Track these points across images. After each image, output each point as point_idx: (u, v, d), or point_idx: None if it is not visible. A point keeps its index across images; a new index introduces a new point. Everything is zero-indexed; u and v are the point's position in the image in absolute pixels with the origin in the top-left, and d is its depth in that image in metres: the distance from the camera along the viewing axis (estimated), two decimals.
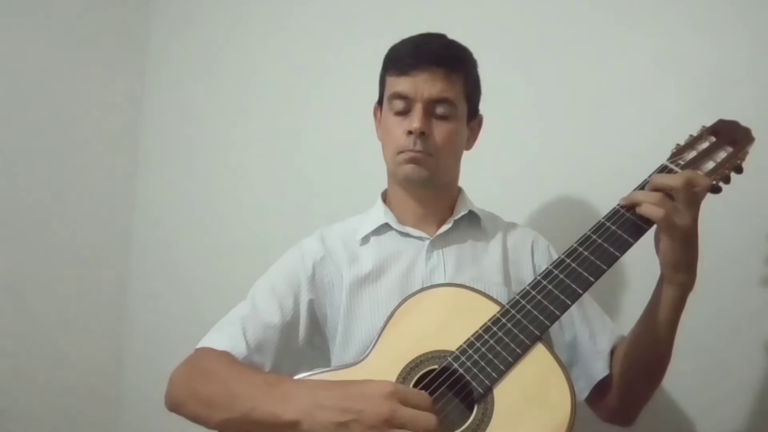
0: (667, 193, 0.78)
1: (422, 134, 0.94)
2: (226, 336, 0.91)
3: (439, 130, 0.95)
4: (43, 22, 1.86)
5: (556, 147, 1.32)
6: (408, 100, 0.95)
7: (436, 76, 0.94)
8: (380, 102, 1.04)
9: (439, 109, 0.95)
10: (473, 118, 1.03)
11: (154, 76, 2.11)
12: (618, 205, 0.82)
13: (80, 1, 1.95)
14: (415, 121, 0.93)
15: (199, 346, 0.92)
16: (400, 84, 0.95)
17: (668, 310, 0.82)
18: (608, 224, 0.82)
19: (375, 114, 1.07)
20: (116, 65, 2.05)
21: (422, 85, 0.94)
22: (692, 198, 0.78)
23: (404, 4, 1.54)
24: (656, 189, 0.79)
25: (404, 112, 0.96)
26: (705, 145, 0.86)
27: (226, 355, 0.88)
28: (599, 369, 0.94)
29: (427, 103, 0.94)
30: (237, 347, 0.89)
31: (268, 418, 0.74)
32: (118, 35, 2.05)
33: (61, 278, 1.90)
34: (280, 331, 0.93)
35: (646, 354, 0.88)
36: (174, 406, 0.86)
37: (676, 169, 0.83)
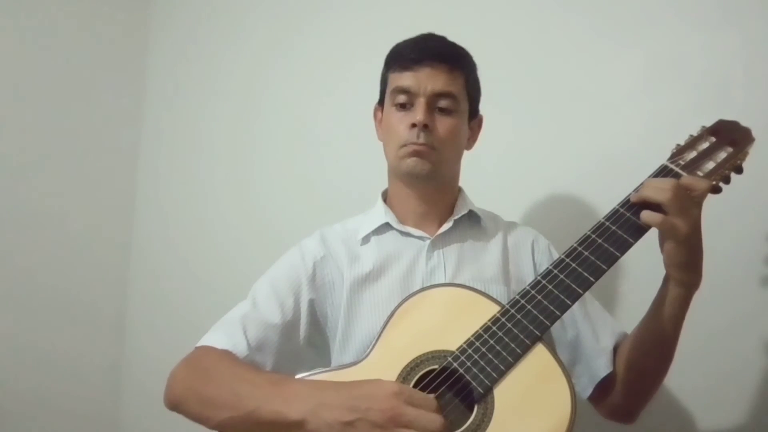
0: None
1: (425, 127, 0.94)
2: (226, 335, 0.91)
3: (442, 124, 0.96)
4: (45, 27, 1.87)
5: (556, 147, 1.32)
6: (411, 95, 0.96)
7: (439, 70, 0.95)
8: (380, 102, 1.04)
9: (442, 103, 0.96)
10: (474, 117, 1.04)
11: (156, 76, 2.11)
12: (623, 208, 0.82)
13: (82, 6, 1.95)
14: (418, 114, 0.94)
15: (199, 344, 0.91)
16: (403, 79, 0.96)
17: (674, 309, 0.83)
18: (608, 224, 0.81)
19: (375, 115, 1.07)
20: (117, 67, 2.05)
21: (425, 79, 0.95)
22: (691, 202, 0.78)
23: (410, 5, 1.54)
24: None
25: (407, 107, 0.97)
26: (705, 145, 0.86)
27: (227, 354, 0.88)
28: (602, 367, 0.94)
29: (430, 97, 0.95)
30: (238, 346, 0.89)
31: (273, 417, 0.74)
32: (119, 38, 2.05)
33: (62, 278, 1.91)
34: (280, 331, 0.93)
35: (651, 352, 0.88)
36: (174, 404, 0.86)
37: (676, 169, 0.83)
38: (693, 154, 0.85)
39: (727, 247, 1.07)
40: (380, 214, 1.03)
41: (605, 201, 0.88)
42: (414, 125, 0.94)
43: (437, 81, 0.94)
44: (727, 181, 0.85)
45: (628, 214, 0.81)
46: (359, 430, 0.69)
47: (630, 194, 0.82)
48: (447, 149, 0.97)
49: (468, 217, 1.03)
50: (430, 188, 1.00)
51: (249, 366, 0.87)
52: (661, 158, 0.87)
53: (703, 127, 0.89)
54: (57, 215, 1.90)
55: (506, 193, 1.33)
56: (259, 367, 0.89)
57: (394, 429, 0.68)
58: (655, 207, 0.78)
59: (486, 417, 0.74)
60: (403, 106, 0.97)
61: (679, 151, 0.87)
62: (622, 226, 0.80)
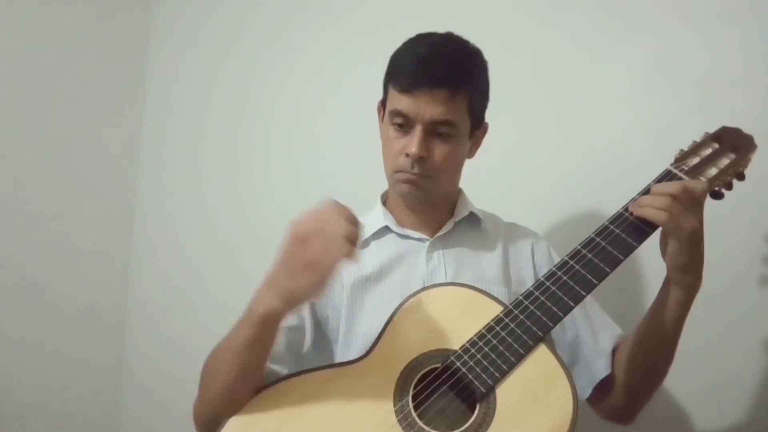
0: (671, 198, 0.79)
1: (420, 158, 0.92)
2: None
3: (440, 151, 0.93)
4: (45, 26, 1.86)
5: (557, 149, 1.32)
6: (408, 119, 0.93)
7: (438, 98, 0.90)
8: (383, 102, 1.04)
9: (441, 129, 0.92)
10: (477, 128, 1.01)
11: (156, 76, 2.11)
12: (627, 212, 0.82)
13: (82, 5, 1.95)
14: (413, 146, 0.91)
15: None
16: (401, 102, 0.92)
17: (675, 311, 0.83)
18: (612, 227, 0.82)
19: (378, 111, 1.06)
20: (117, 66, 2.05)
21: (423, 106, 0.90)
22: (693, 202, 0.79)
23: (411, 5, 1.53)
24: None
25: (404, 128, 0.94)
26: (708, 151, 0.87)
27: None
28: (601, 368, 0.94)
29: (427, 124, 0.92)
30: None
31: (249, 330, 0.77)
32: (119, 38, 2.05)
33: (62, 278, 1.90)
34: (286, 336, 0.93)
35: (650, 353, 0.89)
36: (201, 421, 0.84)
37: (679, 174, 0.84)
38: (696, 160, 0.86)
39: (727, 247, 1.08)
40: (379, 217, 1.03)
41: (608, 202, 0.89)
42: (408, 155, 0.92)
43: (435, 109, 0.90)
44: (729, 187, 0.86)
45: (631, 218, 0.81)
46: (296, 276, 0.74)
47: (633, 198, 0.83)
48: (443, 175, 0.96)
49: (468, 218, 1.04)
50: (426, 203, 1.00)
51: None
52: (664, 158, 0.87)
53: (707, 133, 0.90)
54: (57, 215, 1.89)
55: (508, 193, 1.32)
56: (272, 375, 0.87)
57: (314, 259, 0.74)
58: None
59: (488, 416, 0.74)
60: (401, 126, 0.94)
61: (683, 156, 0.87)
62: (626, 229, 0.81)
